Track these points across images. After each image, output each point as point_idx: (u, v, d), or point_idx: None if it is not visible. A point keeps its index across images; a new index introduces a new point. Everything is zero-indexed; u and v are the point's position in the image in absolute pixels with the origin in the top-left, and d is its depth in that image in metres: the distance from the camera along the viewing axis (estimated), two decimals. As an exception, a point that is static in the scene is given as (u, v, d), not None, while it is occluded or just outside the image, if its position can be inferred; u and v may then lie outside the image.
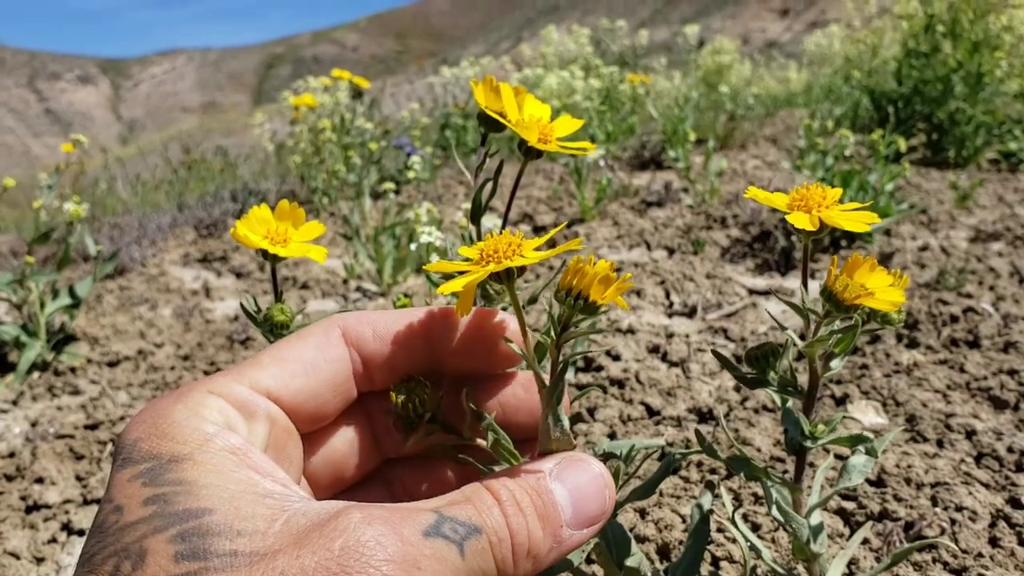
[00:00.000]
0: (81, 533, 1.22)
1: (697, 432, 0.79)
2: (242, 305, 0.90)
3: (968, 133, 3.58)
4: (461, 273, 0.57)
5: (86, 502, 1.29)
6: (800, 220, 0.71)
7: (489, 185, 1.02)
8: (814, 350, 0.75)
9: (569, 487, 0.51)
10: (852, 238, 2.57)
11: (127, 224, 3.86)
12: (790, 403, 0.82)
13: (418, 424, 0.60)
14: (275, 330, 0.91)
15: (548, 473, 0.52)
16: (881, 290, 0.67)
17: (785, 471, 1.20)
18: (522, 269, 0.59)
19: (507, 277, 0.59)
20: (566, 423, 0.60)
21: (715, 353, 0.84)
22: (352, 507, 0.42)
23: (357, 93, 3.37)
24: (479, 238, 0.89)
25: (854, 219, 0.71)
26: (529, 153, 0.94)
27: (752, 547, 0.82)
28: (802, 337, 0.77)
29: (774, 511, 0.82)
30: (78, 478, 1.38)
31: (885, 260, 2.38)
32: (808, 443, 0.78)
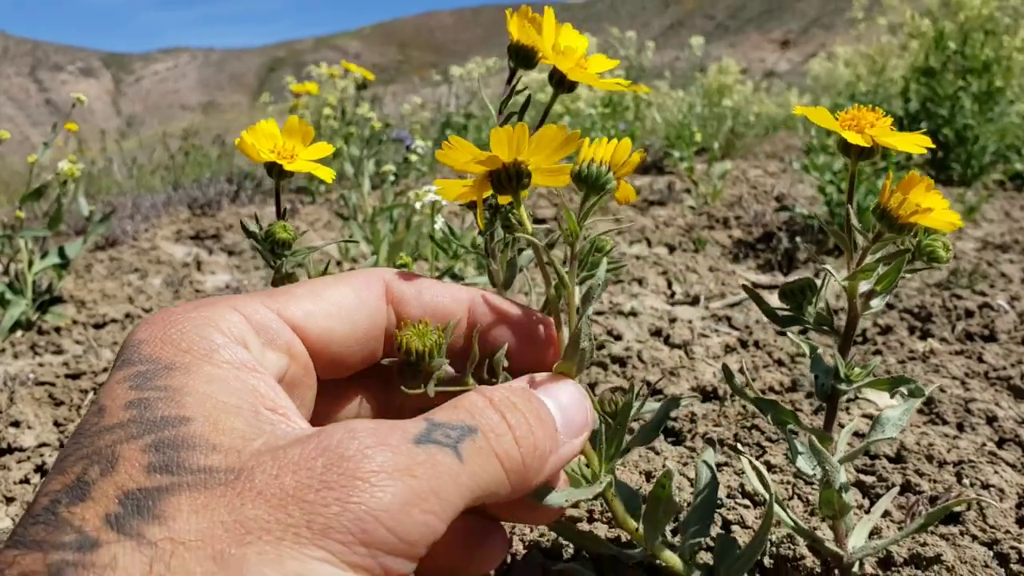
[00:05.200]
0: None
1: (725, 367, 0.74)
2: (244, 226, 0.85)
3: (975, 152, 3.56)
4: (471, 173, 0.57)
5: (63, 446, 1.23)
6: (853, 137, 0.66)
7: (514, 120, 0.97)
8: (857, 282, 0.70)
9: (554, 400, 0.50)
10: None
11: (121, 203, 3.79)
12: (820, 350, 0.77)
13: (424, 374, 0.54)
14: (276, 248, 0.86)
15: (532, 387, 0.51)
16: (939, 210, 0.63)
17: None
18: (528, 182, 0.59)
19: (515, 177, 0.58)
20: (586, 337, 0.55)
21: (745, 288, 0.80)
22: (335, 425, 0.39)
23: (362, 85, 3.33)
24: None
25: (907, 141, 0.67)
26: (561, 84, 0.89)
27: (774, 500, 0.76)
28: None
29: (799, 462, 0.76)
30: (56, 424, 1.31)
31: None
32: (843, 386, 0.72)
